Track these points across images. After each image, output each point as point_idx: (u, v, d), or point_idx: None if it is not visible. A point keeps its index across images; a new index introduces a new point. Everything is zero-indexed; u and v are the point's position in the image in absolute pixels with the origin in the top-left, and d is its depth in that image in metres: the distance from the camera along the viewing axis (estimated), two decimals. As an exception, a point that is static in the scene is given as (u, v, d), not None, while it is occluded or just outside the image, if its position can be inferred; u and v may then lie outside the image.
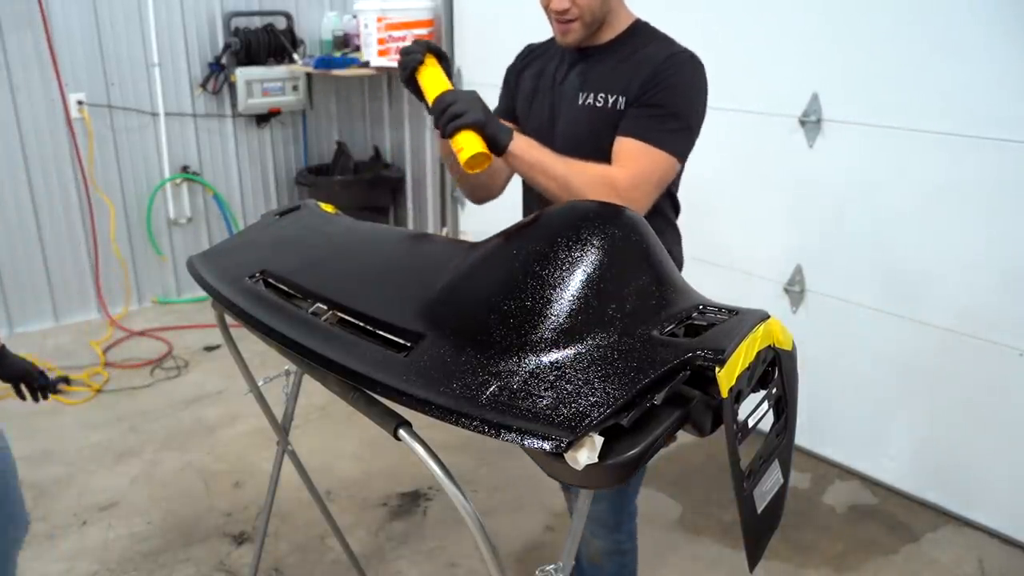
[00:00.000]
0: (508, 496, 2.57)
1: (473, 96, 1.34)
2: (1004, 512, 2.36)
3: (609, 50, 1.50)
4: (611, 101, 1.46)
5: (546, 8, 1.47)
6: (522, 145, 1.36)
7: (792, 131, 2.59)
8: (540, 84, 1.59)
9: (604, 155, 1.43)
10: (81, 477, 2.66)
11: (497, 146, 1.34)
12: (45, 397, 1.76)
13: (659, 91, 1.42)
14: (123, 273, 3.97)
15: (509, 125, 1.40)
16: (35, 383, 1.74)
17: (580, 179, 1.36)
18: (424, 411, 0.94)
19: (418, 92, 1.41)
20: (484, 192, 1.67)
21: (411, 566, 2.27)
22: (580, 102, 1.50)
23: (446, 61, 1.42)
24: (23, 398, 1.76)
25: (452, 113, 1.31)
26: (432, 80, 1.40)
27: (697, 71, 1.47)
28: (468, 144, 1.33)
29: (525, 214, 1.70)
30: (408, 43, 1.44)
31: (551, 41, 1.59)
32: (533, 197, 1.58)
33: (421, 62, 1.39)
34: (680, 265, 1.63)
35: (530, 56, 1.66)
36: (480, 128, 1.31)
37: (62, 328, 3.79)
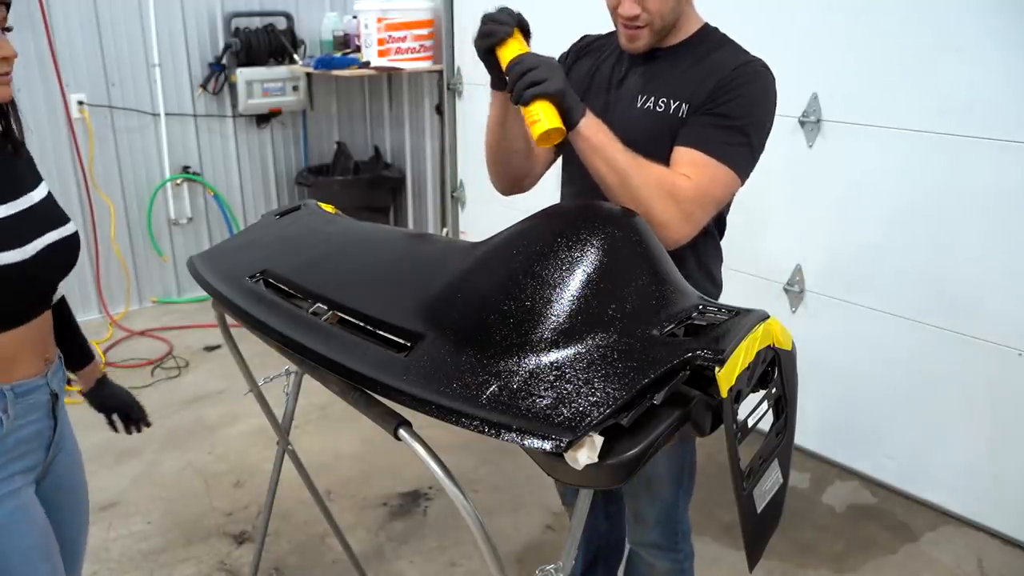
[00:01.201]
0: (508, 496, 2.57)
1: (555, 64, 1.23)
2: (1004, 512, 2.36)
3: (675, 54, 1.41)
4: (673, 107, 1.37)
5: (613, 11, 1.39)
6: (592, 125, 1.25)
7: (792, 131, 2.60)
8: (595, 82, 1.49)
9: (659, 162, 1.32)
10: (81, 477, 2.66)
11: (570, 120, 1.23)
12: (139, 430, 1.66)
13: (727, 101, 1.32)
14: (123, 273, 3.97)
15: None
16: (134, 415, 1.65)
17: (641, 178, 1.25)
18: (424, 411, 0.95)
19: (494, 67, 1.30)
20: (518, 180, 1.57)
21: (411, 566, 2.27)
22: (639, 105, 1.41)
23: (530, 36, 1.31)
24: (115, 430, 1.66)
25: (532, 79, 1.20)
26: (514, 52, 1.27)
27: (770, 84, 1.37)
28: (546, 116, 1.22)
29: (564, 191, 1.66)
30: (494, 10, 1.29)
31: (611, 36, 1.51)
32: (571, 194, 1.54)
33: (510, 35, 1.27)
34: (719, 288, 1.57)
35: (586, 48, 1.56)
36: (560, 98, 1.21)
37: (62, 328, 3.79)
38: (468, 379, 0.96)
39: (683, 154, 1.31)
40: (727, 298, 1.12)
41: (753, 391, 1.00)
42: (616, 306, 1.01)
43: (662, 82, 1.40)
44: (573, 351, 0.97)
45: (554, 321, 1.00)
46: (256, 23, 4.07)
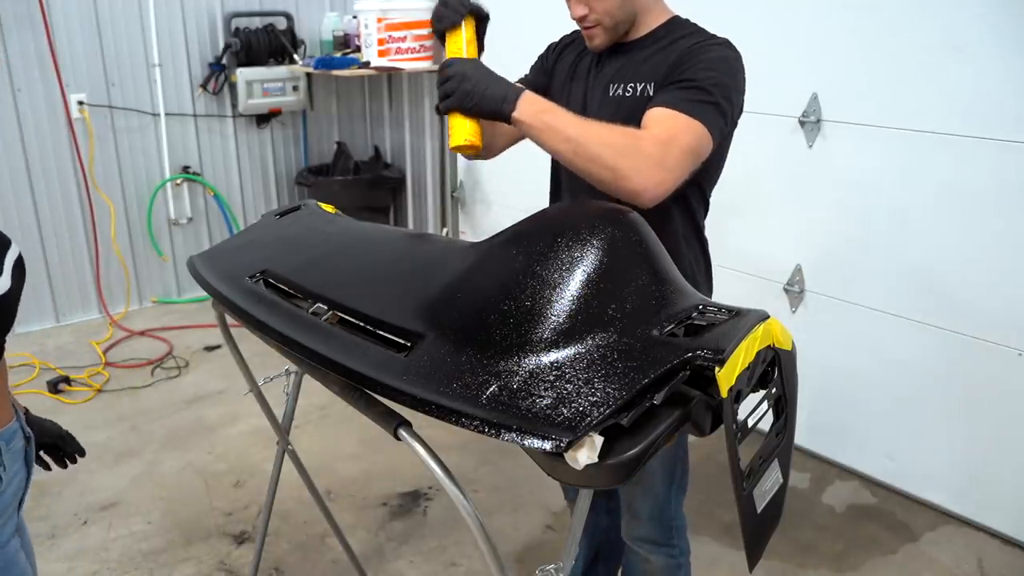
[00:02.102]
0: (508, 496, 2.57)
1: (471, 69, 1.26)
2: (1004, 512, 2.36)
3: (642, 44, 1.44)
4: (639, 89, 1.39)
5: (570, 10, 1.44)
6: (529, 110, 1.25)
7: (792, 131, 2.60)
8: (576, 72, 1.54)
9: None
10: (82, 477, 2.66)
11: (498, 116, 1.26)
12: (74, 461, 1.47)
13: (688, 68, 1.33)
14: (124, 273, 3.97)
15: (519, 87, 1.30)
16: (68, 448, 1.46)
17: (596, 139, 1.23)
18: (424, 411, 0.95)
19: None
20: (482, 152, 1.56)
21: (411, 566, 2.27)
22: (610, 93, 1.44)
23: (486, 22, 1.35)
24: (47, 468, 1.46)
25: (444, 91, 1.26)
26: (455, 46, 1.32)
27: (730, 55, 1.39)
28: (456, 130, 1.28)
29: (553, 195, 1.68)
30: None
31: None
32: (562, 185, 1.57)
33: (457, 23, 1.31)
34: (703, 288, 1.56)
35: (574, 43, 1.60)
36: (466, 112, 1.26)
37: (63, 328, 3.79)
38: (468, 379, 0.96)
39: (648, 116, 1.31)
40: (727, 298, 1.12)
41: (753, 391, 1.00)
42: (616, 306, 1.01)
43: (630, 69, 1.43)
44: (573, 351, 0.97)
45: (554, 321, 1.00)
46: (256, 23, 4.07)
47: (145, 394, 3.24)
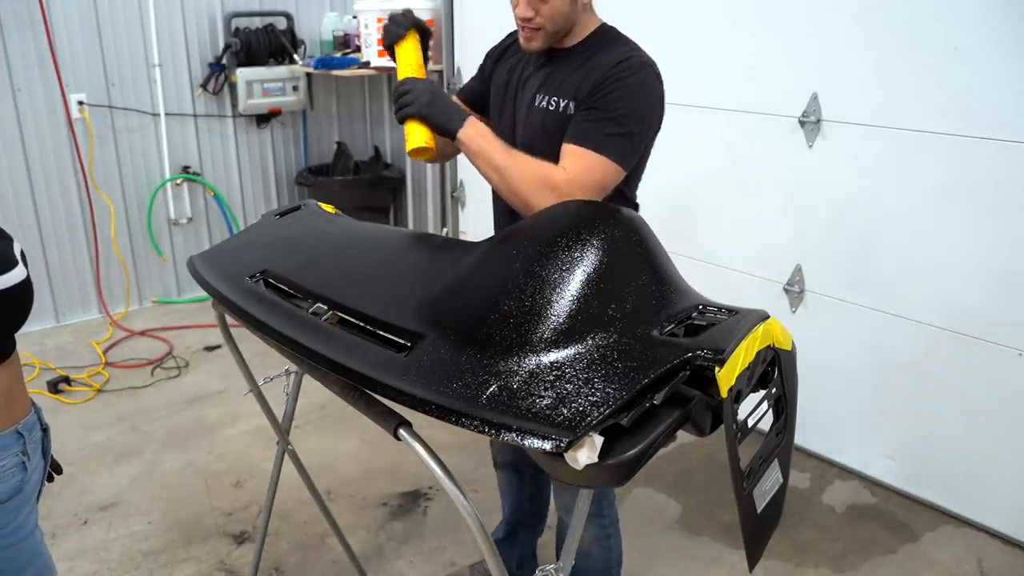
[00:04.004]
0: (508, 496, 2.57)
1: (425, 87, 1.45)
2: (1004, 512, 2.36)
3: (570, 55, 1.52)
4: (562, 105, 1.49)
5: (513, 10, 1.51)
6: (470, 133, 1.43)
7: (792, 131, 2.60)
8: (510, 80, 1.63)
9: (556, 159, 1.44)
10: (82, 477, 2.66)
11: (446, 132, 1.44)
12: (51, 479, 1.42)
13: (604, 95, 1.42)
14: (124, 273, 3.97)
15: (466, 110, 1.49)
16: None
17: (519, 175, 1.40)
18: (424, 411, 0.95)
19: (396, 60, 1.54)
20: (433, 158, 1.68)
21: (411, 566, 2.27)
22: (536, 104, 1.54)
23: (428, 37, 1.53)
24: None
25: (402, 103, 1.45)
26: (405, 60, 1.50)
27: (647, 77, 1.45)
28: (413, 135, 1.46)
29: (495, 210, 1.78)
30: (397, 10, 1.54)
31: None
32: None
33: (403, 36, 1.50)
34: None
35: (511, 48, 1.68)
36: (422, 119, 1.44)
37: (63, 328, 3.79)
38: (468, 379, 0.96)
39: (565, 149, 1.44)
40: (727, 298, 1.12)
41: (753, 391, 1.00)
42: (616, 306, 1.01)
43: (554, 82, 1.52)
44: (573, 351, 0.97)
45: (554, 321, 1.00)
46: (256, 23, 4.07)
47: (145, 394, 3.24)
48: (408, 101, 1.44)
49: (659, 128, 1.53)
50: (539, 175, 1.39)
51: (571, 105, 1.47)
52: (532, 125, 1.54)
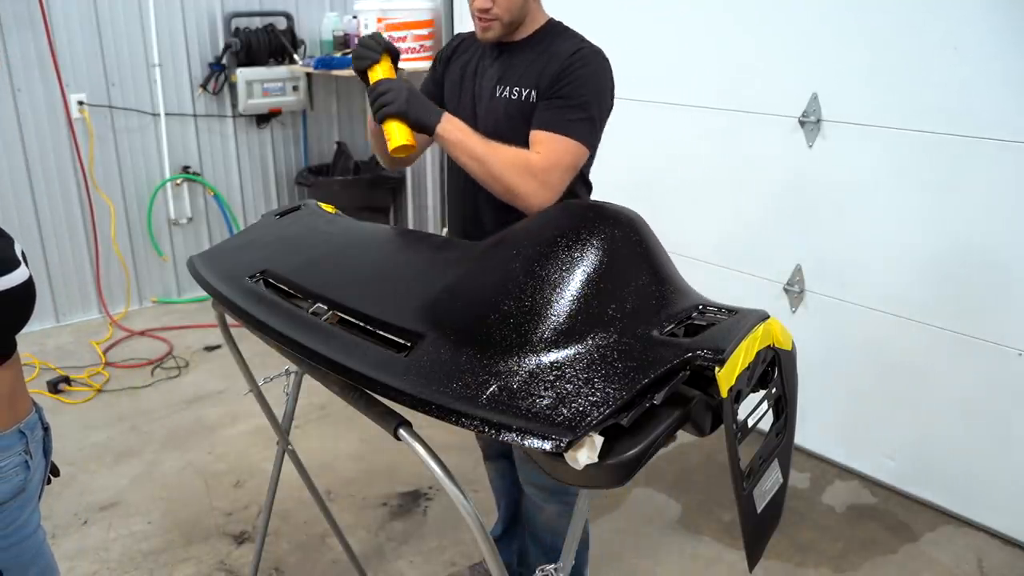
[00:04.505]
0: (508, 496, 2.57)
1: (402, 86, 1.49)
2: (1004, 512, 2.36)
3: (524, 46, 1.63)
4: (524, 94, 1.59)
5: (470, 3, 1.59)
6: (448, 127, 1.50)
7: (792, 131, 2.60)
8: (465, 75, 1.70)
9: (520, 143, 1.55)
10: (82, 477, 2.66)
11: (425, 128, 1.49)
12: (48, 482, 1.43)
13: (566, 85, 1.55)
14: (124, 273, 3.97)
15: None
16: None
17: (498, 161, 1.50)
18: (424, 411, 0.95)
19: (367, 84, 1.56)
20: (403, 162, 1.80)
21: (411, 566, 2.27)
22: (497, 95, 1.63)
23: (398, 58, 1.58)
24: None
25: (381, 103, 1.48)
26: (380, 75, 1.53)
27: (601, 65, 1.59)
28: (394, 134, 1.49)
29: (448, 198, 1.85)
30: (366, 36, 1.57)
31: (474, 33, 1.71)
32: (454, 185, 1.77)
33: (377, 61, 1.53)
34: None
35: (460, 46, 1.76)
36: (402, 117, 1.47)
37: (63, 328, 3.79)
38: (468, 379, 0.96)
39: (536, 136, 1.55)
40: (727, 298, 1.12)
41: (753, 391, 1.00)
42: (616, 306, 1.01)
43: (514, 73, 1.62)
44: (573, 351, 0.97)
45: (554, 321, 1.00)
46: (256, 23, 4.07)
47: (145, 394, 3.24)
48: (388, 100, 1.48)
49: (611, 110, 1.64)
50: (518, 160, 1.50)
51: (533, 94, 1.58)
52: (495, 114, 1.63)
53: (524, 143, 1.54)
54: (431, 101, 1.56)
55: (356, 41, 1.58)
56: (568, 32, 1.65)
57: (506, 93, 1.61)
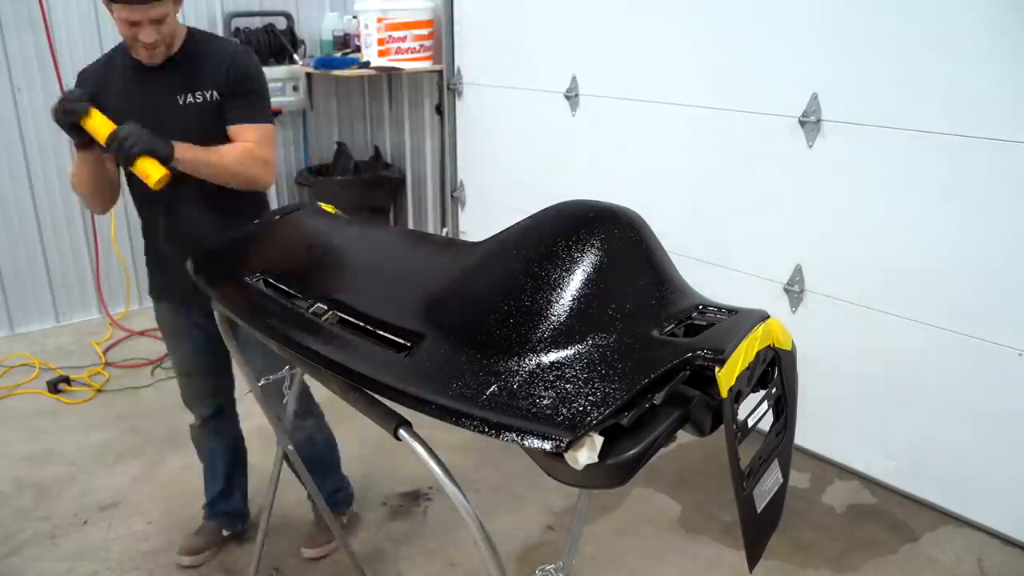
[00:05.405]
0: (508, 496, 2.57)
1: (134, 127, 1.70)
2: (1004, 512, 2.36)
3: (184, 58, 1.87)
4: (207, 96, 1.86)
5: (132, 40, 1.79)
6: (182, 153, 1.76)
7: (792, 131, 2.59)
8: (131, 100, 1.86)
9: (213, 137, 1.85)
10: (82, 477, 2.66)
11: (167, 157, 1.73)
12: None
13: (241, 81, 1.88)
14: (123, 273, 3.97)
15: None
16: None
17: (230, 160, 1.84)
18: (424, 411, 0.95)
19: (79, 134, 1.76)
20: (113, 198, 2.01)
21: (411, 566, 2.27)
22: (181, 102, 1.86)
23: (102, 106, 1.76)
24: None
25: (128, 144, 1.67)
26: (98, 126, 1.71)
27: (253, 56, 1.97)
28: (150, 170, 1.70)
29: (138, 206, 2.01)
30: (67, 91, 1.83)
31: (111, 60, 1.96)
32: (136, 193, 1.95)
33: (86, 111, 1.72)
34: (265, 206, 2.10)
35: (97, 84, 1.91)
36: (151, 153, 1.70)
37: (63, 328, 3.79)
38: (468, 379, 0.96)
39: (238, 129, 1.88)
40: (727, 298, 1.11)
41: (753, 391, 1.00)
42: (616, 306, 1.01)
43: (189, 81, 1.86)
44: (573, 351, 0.97)
45: (554, 321, 1.00)
46: (256, 23, 4.07)
47: (145, 394, 3.24)
48: (133, 141, 1.68)
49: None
50: (242, 154, 1.85)
51: (215, 94, 1.86)
52: (185, 120, 1.85)
53: (217, 136, 1.86)
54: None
55: (61, 104, 1.76)
56: (208, 34, 1.97)
57: (191, 99, 1.86)
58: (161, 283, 2.09)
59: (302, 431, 2.13)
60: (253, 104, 1.90)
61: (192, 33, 1.91)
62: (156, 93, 1.87)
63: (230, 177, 1.85)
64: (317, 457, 2.19)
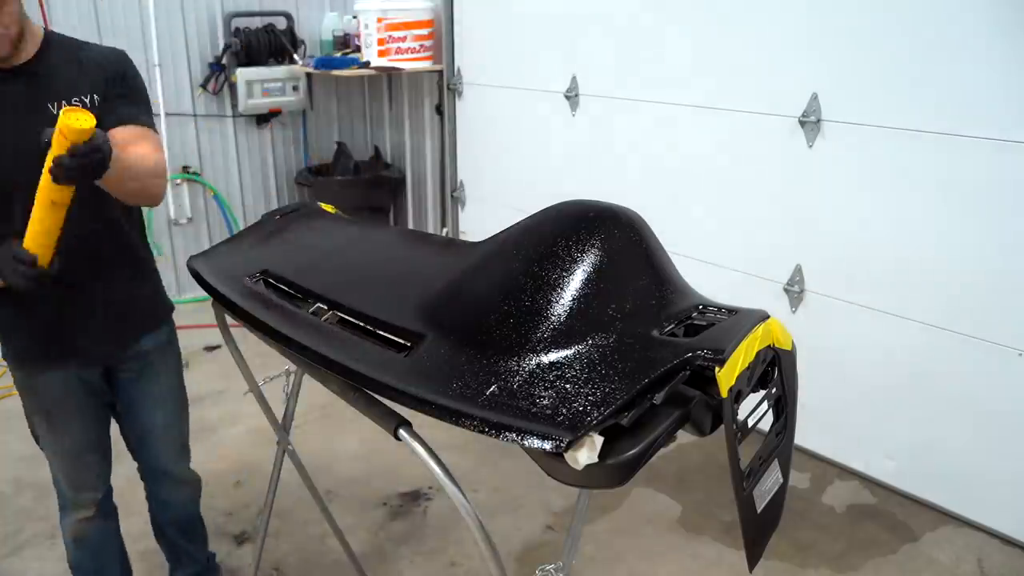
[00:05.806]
0: (508, 496, 2.57)
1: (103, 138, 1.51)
2: (1004, 512, 2.36)
3: (51, 63, 1.65)
4: (89, 100, 1.68)
5: None
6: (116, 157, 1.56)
7: (792, 131, 2.60)
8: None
9: None
10: (81, 477, 2.66)
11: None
12: None
13: (125, 83, 1.71)
14: None
15: None
16: None
17: (144, 175, 1.60)
18: (424, 411, 0.95)
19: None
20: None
21: (411, 566, 2.27)
22: (58, 111, 1.62)
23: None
24: None
25: (91, 161, 1.43)
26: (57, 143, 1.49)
27: (130, 60, 1.77)
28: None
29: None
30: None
31: None
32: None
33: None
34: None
35: None
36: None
37: (62, 328, 3.79)
38: (468, 379, 0.96)
39: (127, 130, 1.65)
40: (727, 299, 1.12)
41: (753, 391, 1.00)
42: (616, 306, 1.01)
43: (61, 87, 1.65)
44: (573, 351, 0.97)
45: (554, 321, 1.00)
46: (256, 23, 4.07)
47: (145, 394, 3.23)
48: (95, 159, 1.44)
49: None
50: (158, 165, 1.68)
51: (95, 97, 1.68)
52: None
53: None
54: None
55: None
56: (74, 39, 1.76)
57: (72, 104, 1.65)
58: (45, 348, 1.75)
59: (186, 488, 2.12)
60: (137, 107, 1.71)
61: (54, 36, 1.70)
62: (26, 100, 1.64)
63: (139, 189, 1.60)
64: (195, 519, 2.15)
